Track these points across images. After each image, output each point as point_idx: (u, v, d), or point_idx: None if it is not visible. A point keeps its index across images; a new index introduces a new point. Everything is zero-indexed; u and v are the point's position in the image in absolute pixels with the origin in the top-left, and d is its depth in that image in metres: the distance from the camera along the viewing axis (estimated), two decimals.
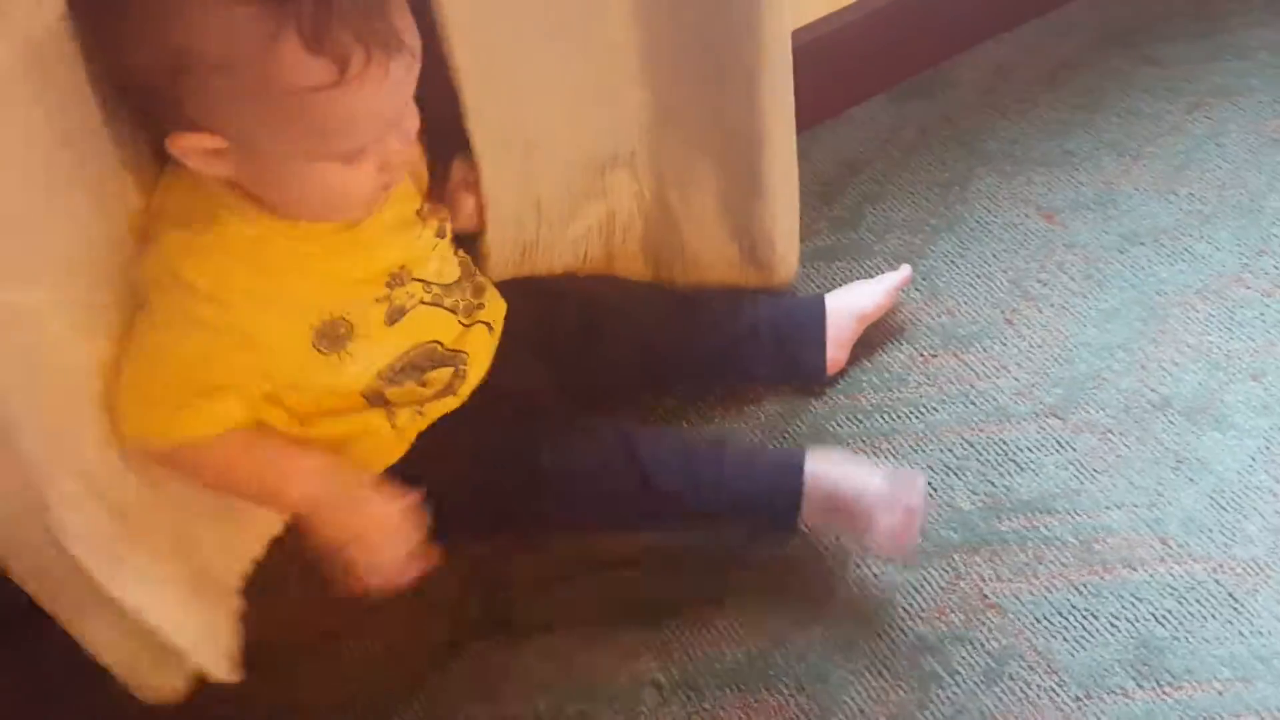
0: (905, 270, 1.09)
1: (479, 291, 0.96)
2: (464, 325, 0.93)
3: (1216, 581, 0.92)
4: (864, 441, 1.02)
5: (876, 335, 1.09)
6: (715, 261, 1.08)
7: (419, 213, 0.90)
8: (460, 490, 0.92)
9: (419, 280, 0.88)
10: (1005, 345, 1.08)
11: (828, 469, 0.91)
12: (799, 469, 0.91)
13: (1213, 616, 0.90)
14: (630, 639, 0.93)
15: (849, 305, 1.06)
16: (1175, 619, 0.90)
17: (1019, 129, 1.27)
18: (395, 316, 0.87)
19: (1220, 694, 0.86)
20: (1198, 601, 0.91)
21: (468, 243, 0.99)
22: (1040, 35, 1.36)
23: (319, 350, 0.84)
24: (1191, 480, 0.98)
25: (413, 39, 0.73)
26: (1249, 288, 1.10)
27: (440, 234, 0.91)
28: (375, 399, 0.90)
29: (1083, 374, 1.06)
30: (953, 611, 0.92)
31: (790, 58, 0.95)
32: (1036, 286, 1.12)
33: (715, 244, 1.07)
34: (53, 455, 0.73)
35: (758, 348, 1.04)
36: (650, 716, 0.89)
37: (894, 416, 1.04)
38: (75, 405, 0.77)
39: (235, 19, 0.66)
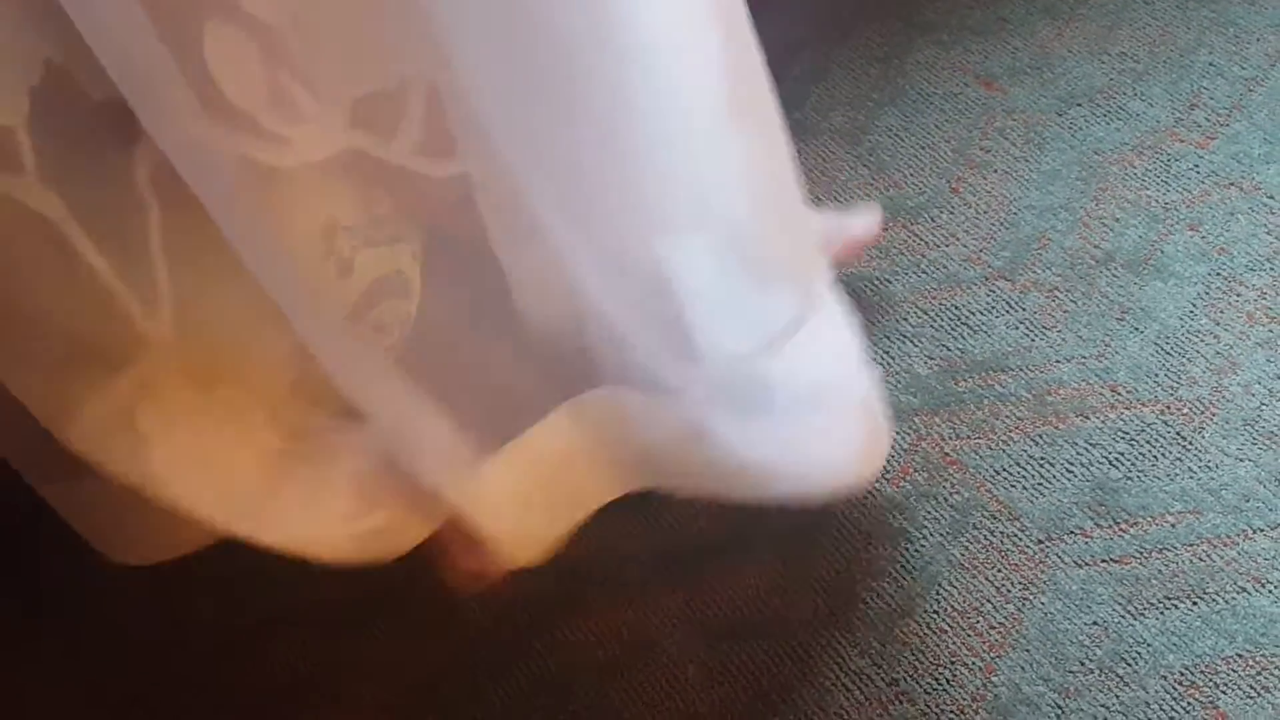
0: (875, 214, 1.03)
1: None
2: None
3: (1165, 423, 0.96)
4: None
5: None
6: None
7: None
8: None
9: None
10: (952, 214, 1.11)
11: None
12: None
13: (1163, 455, 0.94)
14: (619, 521, 0.95)
15: None
16: (1128, 460, 0.94)
17: None
18: None
19: (1173, 526, 0.91)
20: (1148, 443, 0.95)
21: None
22: None
23: None
24: (1136, 329, 1.01)
25: None
26: (1182, 141, 1.13)
27: None
28: None
29: (1028, 236, 1.09)
30: (916, 471, 0.96)
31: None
32: (979, 154, 1.15)
33: None
34: None
35: None
36: (638, 592, 0.92)
37: (849, 291, 1.06)
38: None
39: None
